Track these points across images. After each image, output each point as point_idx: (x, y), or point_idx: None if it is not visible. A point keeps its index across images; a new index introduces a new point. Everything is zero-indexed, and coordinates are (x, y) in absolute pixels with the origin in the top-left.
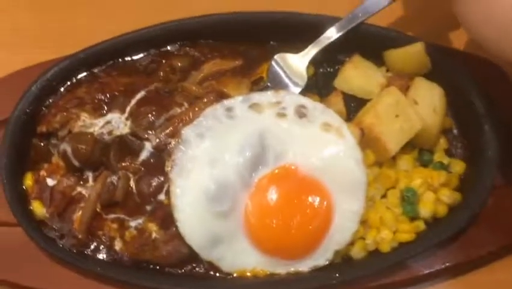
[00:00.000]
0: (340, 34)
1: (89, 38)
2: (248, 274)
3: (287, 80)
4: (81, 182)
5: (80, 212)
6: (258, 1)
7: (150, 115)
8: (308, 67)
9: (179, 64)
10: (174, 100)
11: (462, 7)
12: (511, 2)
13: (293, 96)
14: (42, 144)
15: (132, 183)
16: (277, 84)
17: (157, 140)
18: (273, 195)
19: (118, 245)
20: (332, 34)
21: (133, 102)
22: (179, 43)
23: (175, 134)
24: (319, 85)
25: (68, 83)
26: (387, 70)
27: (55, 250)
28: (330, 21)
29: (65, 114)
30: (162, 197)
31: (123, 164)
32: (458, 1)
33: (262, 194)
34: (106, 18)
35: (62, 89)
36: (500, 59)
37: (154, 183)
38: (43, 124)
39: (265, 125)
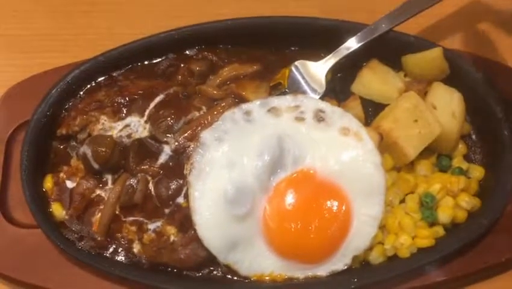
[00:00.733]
0: (360, 44)
1: (107, 43)
2: (266, 278)
3: (305, 86)
4: (100, 185)
5: (99, 215)
6: (276, 7)
7: (169, 118)
8: (326, 74)
9: (197, 68)
10: (193, 104)
11: None
12: None
13: (311, 100)
14: (61, 146)
15: (151, 186)
16: (296, 90)
17: (176, 143)
18: (291, 199)
19: (136, 247)
20: (352, 44)
21: (152, 105)
22: (197, 47)
23: (194, 137)
24: (336, 89)
25: (88, 86)
26: (405, 75)
27: (74, 252)
28: (350, 27)
29: (85, 117)
30: (180, 200)
31: (142, 166)
32: None
33: (281, 197)
34: (124, 24)
35: (81, 92)
36: None
37: (173, 186)
38: (62, 127)
39: (284, 129)
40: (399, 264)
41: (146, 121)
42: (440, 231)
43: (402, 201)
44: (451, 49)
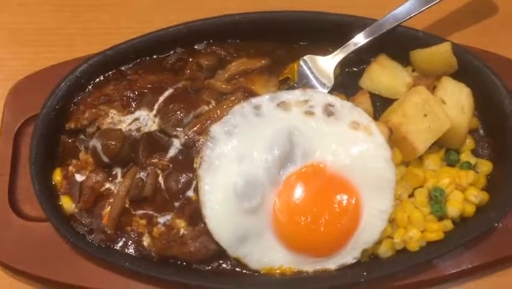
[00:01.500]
0: (368, 39)
1: (114, 37)
2: (275, 271)
3: (314, 81)
4: (110, 178)
5: (109, 208)
6: (283, 1)
7: (178, 112)
8: (334, 68)
9: (206, 63)
10: (202, 98)
11: None
12: None
13: (320, 94)
14: (70, 140)
15: (160, 180)
16: (304, 84)
17: (185, 137)
18: (301, 192)
19: (146, 241)
20: (360, 39)
21: (161, 99)
22: (205, 42)
23: (203, 131)
24: (345, 84)
25: (97, 80)
26: (413, 70)
27: (83, 245)
28: (359, 22)
29: (93, 110)
30: (190, 193)
31: (152, 160)
32: None
33: (291, 191)
34: (131, 18)
35: (90, 86)
36: None
37: (182, 180)
38: (71, 120)
39: (293, 123)
40: (408, 257)
41: (155, 115)
42: (448, 225)
43: (411, 195)
44: (459, 44)
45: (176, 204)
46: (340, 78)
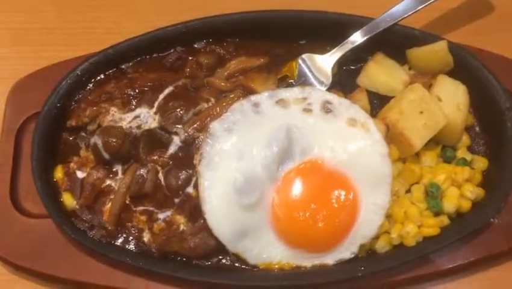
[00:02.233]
0: (365, 38)
1: (115, 37)
2: (274, 266)
3: (312, 79)
4: (111, 175)
5: (109, 204)
6: (283, 0)
7: (178, 110)
8: (332, 67)
9: (206, 61)
10: (202, 95)
11: None
12: None
13: (318, 91)
14: (71, 138)
15: (160, 176)
16: (303, 82)
17: (185, 134)
18: (299, 188)
19: (146, 237)
20: (357, 38)
21: (161, 97)
22: (205, 41)
23: (203, 128)
24: (342, 82)
25: (98, 78)
26: (410, 68)
27: (84, 241)
28: (356, 21)
29: (94, 108)
30: (190, 189)
31: (152, 157)
32: None
33: (289, 187)
34: (132, 18)
35: (91, 84)
36: None
37: (182, 176)
38: (72, 118)
39: (292, 120)
40: (405, 252)
41: (155, 113)
42: (445, 220)
43: (408, 191)
44: (455, 42)
45: (176, 200)
46: (337, 76)
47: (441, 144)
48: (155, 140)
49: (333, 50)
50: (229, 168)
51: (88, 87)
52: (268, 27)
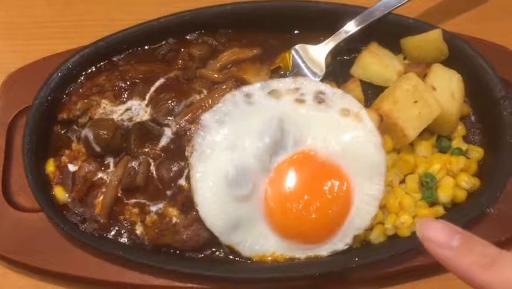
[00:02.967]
0: (359, 27)
1: (107, 29)
2: (268, 258)
3: (306, 70)
4: (102, 168)
5: (101, 197)
6: None
7: (170, 101)
8: (326, 57)
9: (198, 53)
10: (194, 87)
11: None
12: None
13: (311, 82)
14: (63, 131)
15: (152, 169)
16: (296, 73)
17: (177, 126)
18: (292, 180)
19: (139, 229)
20: (351, 27)
21: (153, 89)
22: (197, 32)
23: (195, 120)
24: (336, 73)
25: (89, 71)
26: (404, 58)
27: (77, 234)
28: (350, 11)
29: (86, 101)
30: (182, 182)
31: (144, 149)
32: None
33: (282, 178)
34: (124, 10)
35: (82, 77)
36: None
37: (174, 168)
38: (63, 111)
39: (284, 111)
40: (400, 243)
41: (147, 105)
42: (440, 210)
43: (402, 181)
44: (450, 31)
45: (168, 192)
46: (331, 67)
47: (436, 134)
48: (147, 132)
49: (326, 41)
50: (221, 160)
51: (80, 80)
52: (261, 18)
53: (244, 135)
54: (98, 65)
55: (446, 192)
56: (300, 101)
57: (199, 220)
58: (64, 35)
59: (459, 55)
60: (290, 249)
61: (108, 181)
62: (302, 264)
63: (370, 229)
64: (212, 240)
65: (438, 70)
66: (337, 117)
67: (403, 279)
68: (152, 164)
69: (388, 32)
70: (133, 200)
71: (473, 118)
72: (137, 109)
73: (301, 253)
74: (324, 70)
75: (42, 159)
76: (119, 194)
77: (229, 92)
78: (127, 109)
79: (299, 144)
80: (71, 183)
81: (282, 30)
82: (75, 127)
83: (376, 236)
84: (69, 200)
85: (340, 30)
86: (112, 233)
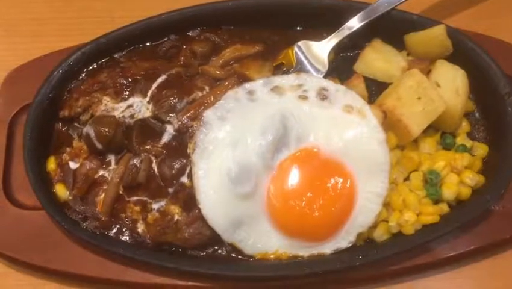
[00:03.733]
0: (362, 23)
1: (108, 26)
2: (270, 256)
3: (308, 66)
4: (104, 165)
5: (103, 195)
6: None
7: (172, 98)
8: (329, 53)
9: (200, 49)
10: (196, 84)
11: None
12: None
13: (314, 78)
14: (64, 128)
15: (154, 166)
16: (299, 70)
17: (179, 123)
18: (295, 177)
19: (140, 227)
20: (354, 24)
21: (154, 85)
22: (199, 29)
23: (197, 117)
24: (339, 69)
25: (90, 68)
26: (408, 54)
27: (78, 232)
28: (353, 7)
29: (87, 98)
30: (184, 179)
31: (146, 146)
32: None
33: (285, 176)
34: (125, 7)
35: (83, 74)
36: None
37: (176, 166)
38: (65, 108)
39: (287, 108)
40: (404, 240)
41: (148, 102)
42: (444, 208)
43: (406, 179)
44: (454, 27)
45: (170, 190)
46: (334, 63)
47: (440, 131)
48: (149, 129)
49: (330, 37)
50: (224, 157)
51: (81, 77)
52: (264, 14)
53: (246, 132)
54: (99, 62)
55: (450, 190)
56: (303, 98)
57: (201, 218)
58: (65, 32)
59: (463, 51)
60: (293, 247)
61: (109, 179)
62: (305, 262)
63: (373, 226)
64: (215, 238)
65: (442, 66)
66: (340, 113)
67: (407, 277)
68: (154, 161)
69: (392, 28)
70: (135, 198)
71: (477, 114)
72: (139, 106)
73: (304, 251)
74: (327, 66)
75: (43, 156)
76: (121, 192)
77: (232, 89)
78: (128, 106)
79: (301, 141)
80: (72, 181)
81: (284, 26)
82: (76, 124)
83: (380, 234)
84: (70, 197)
85: (343, 26)
86: (114, 231)
